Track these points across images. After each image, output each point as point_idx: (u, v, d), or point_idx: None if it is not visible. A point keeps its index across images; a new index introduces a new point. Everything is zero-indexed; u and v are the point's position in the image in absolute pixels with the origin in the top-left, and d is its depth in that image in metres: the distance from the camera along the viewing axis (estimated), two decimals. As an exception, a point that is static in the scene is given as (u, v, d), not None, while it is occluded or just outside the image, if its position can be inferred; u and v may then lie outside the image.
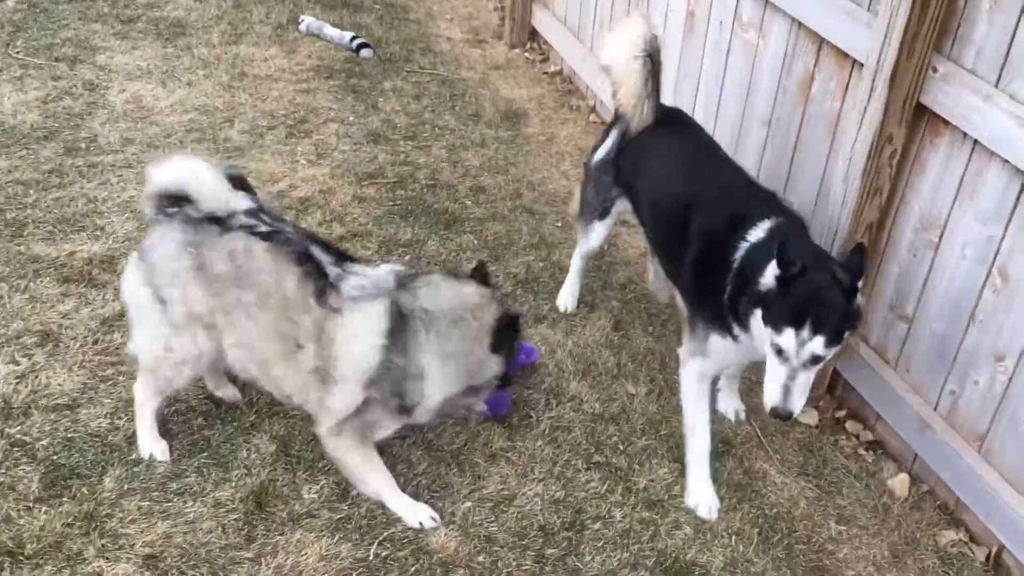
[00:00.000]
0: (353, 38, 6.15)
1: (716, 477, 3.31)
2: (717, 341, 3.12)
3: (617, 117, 3.77)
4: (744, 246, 3.01)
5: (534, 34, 6.65)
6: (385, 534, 2.95)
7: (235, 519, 2.92)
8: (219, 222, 2.85)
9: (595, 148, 3.88)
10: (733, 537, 3.16)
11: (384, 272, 2.92)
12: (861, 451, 3.63)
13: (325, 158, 4.92)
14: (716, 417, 3.58)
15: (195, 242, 2.84)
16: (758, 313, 2.85)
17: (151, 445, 3.07)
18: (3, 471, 2.95)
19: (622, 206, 3.81)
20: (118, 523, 2.84)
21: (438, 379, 2.85)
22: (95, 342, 3.48)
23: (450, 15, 7.11)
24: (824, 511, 3.34)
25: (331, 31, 6.23)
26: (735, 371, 3.64)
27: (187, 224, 2.85)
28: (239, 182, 3.05)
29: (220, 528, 2.88)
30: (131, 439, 3.11)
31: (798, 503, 3.34)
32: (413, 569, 2.86)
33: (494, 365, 2.91)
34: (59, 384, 3.28)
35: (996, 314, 3.07)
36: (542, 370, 3.71)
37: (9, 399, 3.19)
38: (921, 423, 3.37)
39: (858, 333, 3.55)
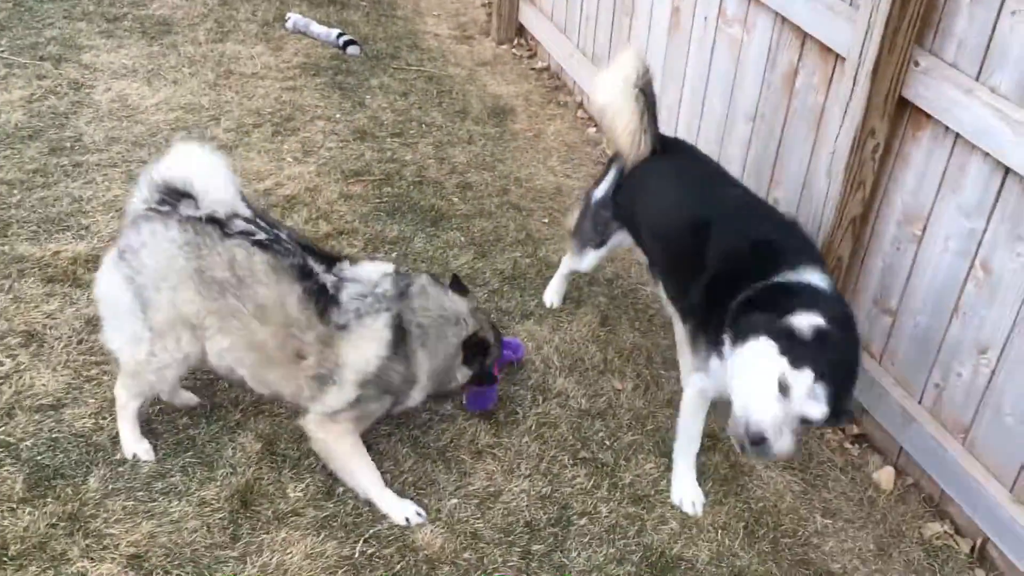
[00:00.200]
0: (340, 35, 6.14)
1: (702, 471, 3.32)
2: (717, 361, 3.00)
3: (615, 155, 3.67)
4: (770, 283, 2.89)
5: (521, 30, 6.64)
6: (371, 531, 2.95)
7: (220, 518, 2.91)
8: (219, 224, 2.77)
9: (596, 183, 3.76)
10: (719, 531, 3.16)
11: (378, 276, 2.94)
12: (846, 445, 3.65)
13: (311, 156, 4.91)
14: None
15: (194, 243, 2.75)
16: (773, 345, 2.68)
17: (134, 445, 3.06)
18: (-13, 472, 2.94)
19: (620, 239, 3.71)
20: (102, 523, 2.83)
21: (423, 385, 3.03)
22: (79, 342, 3.47)
23: (437, 11, 7.10)
24: (810, 505, 3.35)
25: (318, 28, 6.22)
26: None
27: (185, 223, 2.76)
28: None
29: (205, 527, 2.88)
30: (116, 439, 3.10)
31: (784, 497, 3.35)
32: (399, 566, 2.86)
33: (461, 377, 3.12)
34: (43, 384, 3.27)
35: (979, 307, 3.08)
36: (528, 366, 3.71)
37: (-7, 400, 3.18)
38: (906, 416, 3.39)
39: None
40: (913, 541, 3.26)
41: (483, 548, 2.96)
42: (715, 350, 2.97)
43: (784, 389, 2.61)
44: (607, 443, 3.43)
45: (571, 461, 3.33)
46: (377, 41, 6.38)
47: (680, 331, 3.62)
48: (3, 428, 3.09)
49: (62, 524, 2.81)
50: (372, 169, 4.87)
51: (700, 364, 3.12)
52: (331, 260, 2.93)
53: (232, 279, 2.76)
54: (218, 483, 3.02)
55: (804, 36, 3.67)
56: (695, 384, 3.17)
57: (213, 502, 2.96)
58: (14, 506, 2.84)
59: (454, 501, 3.11)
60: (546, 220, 4.69)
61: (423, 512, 3.02)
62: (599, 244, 3.76)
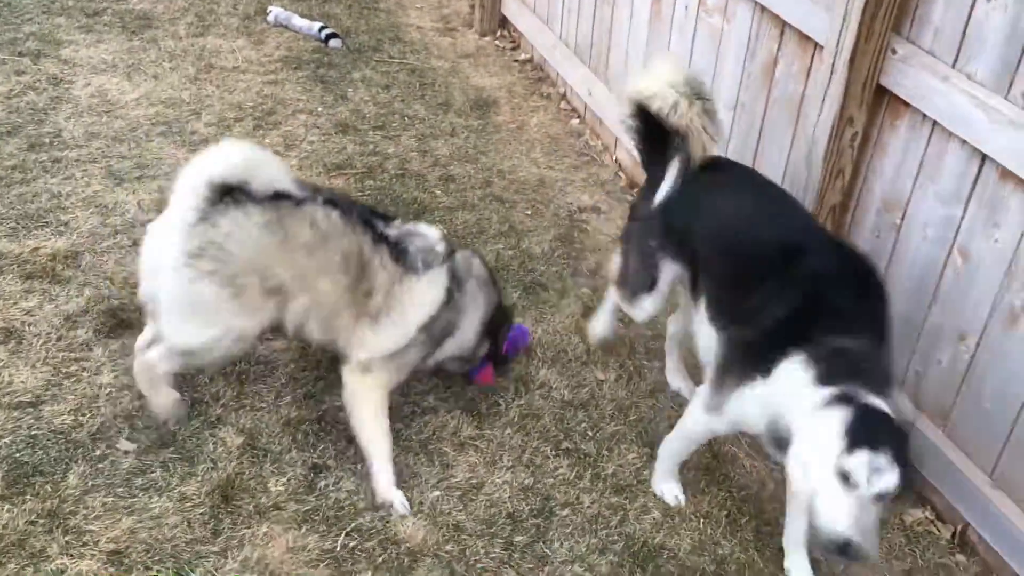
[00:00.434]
0: (322, 28, 6.10)
1: (684, 461, 3.31)
2: (740, 397, 2.81)
3: (650, 173, 3.35)
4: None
5: (504, 22, 6.62)
6: (352, 525, 2.94)
7: (201, 513, 2.90)
8: (287, 197, 2.95)
9: (631, 217, 3.52)
10: (701, 520, 3.17)
11: (436, 235, 3.25)
12: (829, 432, 3.65)
13: (293, 149, 4.89)
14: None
15: (275, 219, 2.90)
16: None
17: (169, 397, 3.17)
18: (-35, 470, 2.92)
19: (672, 272, 3.26)
20: (82, 520, 2.82)
21: (458, 339, 3.26)
22: (59, 339, 3.44)
23: (420, 4, 7.07)
24: (792, 493, 3.36)
25: (299, 21, 6.18)
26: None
27: (261, 206, 2.89)
28: None
29: (186, 522, 2.87)
30: (95, 435, 3.09)
31: (766, 485, 3.36)
32: (381, 559, 2.86)
33: (480, 349, 3.36)
34: (22, 381, 3.25)
35: (957, 293, 3.09)
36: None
37: (-29, 397, 3.16)
38: (887, 403, 3.40)
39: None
40: (895, 527, 3.28)
41: (465, 540, 2.96)
42: (746, 384, 2.77)
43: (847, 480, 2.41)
44: (590, 434, 3.43)
45: (553, 452, 3.33)
46: (359, 34, 6.35)
47: (673, 333, 3.65)
48: (-19, 426, 3.07)
49: (41, 521, 2.79)
50: (354, 162, 4.85)
51: (716, 404, 2.91)
52: (387, 218, 3.21)
53: (316, 239, 2.94)
54: (199, 478, 3.01)
55: (783, 25, 3.67)
56: (704, 424, 3.02)
57: (194, 497, 2.95)
58: (-7, 504, 2.83)
59: (436, 493, 3.11)
60: (529, 212, 4.68)
61: (407, 503, 3.02)
62: (651, 286, 3.31)
